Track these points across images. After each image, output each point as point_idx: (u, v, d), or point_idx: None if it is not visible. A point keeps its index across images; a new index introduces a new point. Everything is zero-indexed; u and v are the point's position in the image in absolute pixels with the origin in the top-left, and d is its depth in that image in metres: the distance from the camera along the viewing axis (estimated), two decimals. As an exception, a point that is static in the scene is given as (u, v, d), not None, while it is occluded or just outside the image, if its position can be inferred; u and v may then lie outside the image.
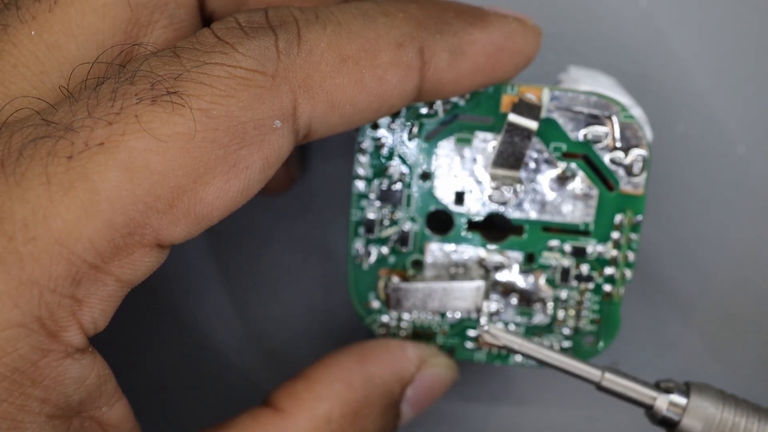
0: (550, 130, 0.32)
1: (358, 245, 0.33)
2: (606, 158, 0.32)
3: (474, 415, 0.37)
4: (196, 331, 0.37)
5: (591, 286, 0.33)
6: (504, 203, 0.32)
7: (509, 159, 0.32)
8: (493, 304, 0.33)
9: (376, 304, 0.33)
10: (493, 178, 0.32)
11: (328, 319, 0.37)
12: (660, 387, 0.30)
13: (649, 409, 0.30)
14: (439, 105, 0.32)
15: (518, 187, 0.31)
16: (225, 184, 0.26)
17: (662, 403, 0.29)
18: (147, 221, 0.26)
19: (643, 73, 0.34)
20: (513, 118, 0.31)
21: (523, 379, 0.37)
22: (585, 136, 0.32)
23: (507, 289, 0.33)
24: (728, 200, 0.36)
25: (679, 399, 0.29)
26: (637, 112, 0.32)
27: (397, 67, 0.29)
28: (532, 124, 0.31)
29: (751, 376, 0.36)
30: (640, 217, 0.32)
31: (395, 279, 0.33)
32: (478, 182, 0.32)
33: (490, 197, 0.32)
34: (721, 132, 0.36)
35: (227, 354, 0.37)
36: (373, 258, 0.33)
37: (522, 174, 0.32)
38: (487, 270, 0.33)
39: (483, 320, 0.33)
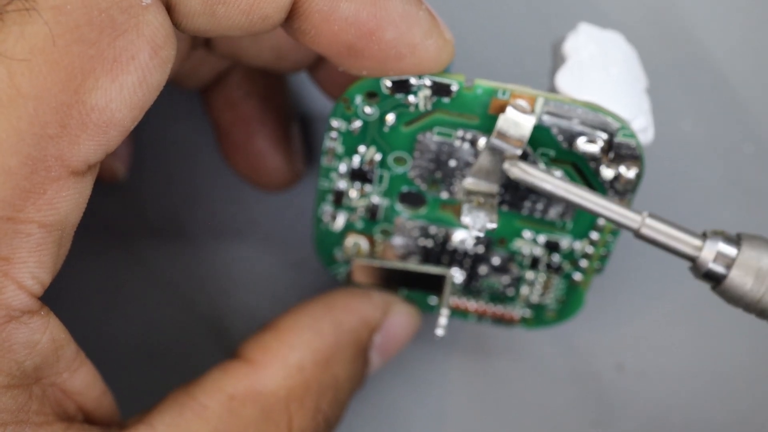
0: (540, 136, 0.28)
1: (326, 210, 0.31)
2: (596, 169, 0.29)
3: (436, 369, 0.36)
4: (163, 291, 0.36)
5: (560, 273, 0.31)
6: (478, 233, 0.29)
7: (488, 174, 0.28)
8: (459, 276, 0.32)
9: (341, 257, 0.32)
10: (468, 193, 0.28)
11: (296, 274, 0.36)
12: (707, 236, 0.25)
13: (693, 261, 0.25)
14: (420, 98, 0.28)
15: (490, 222, 0.28)
16: (113, 82, 0.23)
17: (709, 253, 0.25)
18: (44, 152, 0.23)
19: (648, 72, 0.31)
20: (496, 141, 0.28)
21: (484, 334, 0.36)
22: (577, 149, 0.28)
23: (476, 261, 0.31)
24: (734, 200, 0.34)
25: (728, 249, 0.25)
26: (640, 121, 0.28)
27: None
28: (516, 151, 0.27)
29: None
30: None
31: (362, 243, 0.32)
32: (457, 169, 0.29)
33: (465, 225, 0.28)
34: (729, 130, 0.34)
35: (195, 313, 0.36)
36: (340, 223, 0.31)
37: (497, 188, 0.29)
38: (456, 249, 0.31)
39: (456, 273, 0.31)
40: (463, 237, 0.31)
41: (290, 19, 0.26)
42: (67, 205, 0.24)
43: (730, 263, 0.25)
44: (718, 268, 0.25)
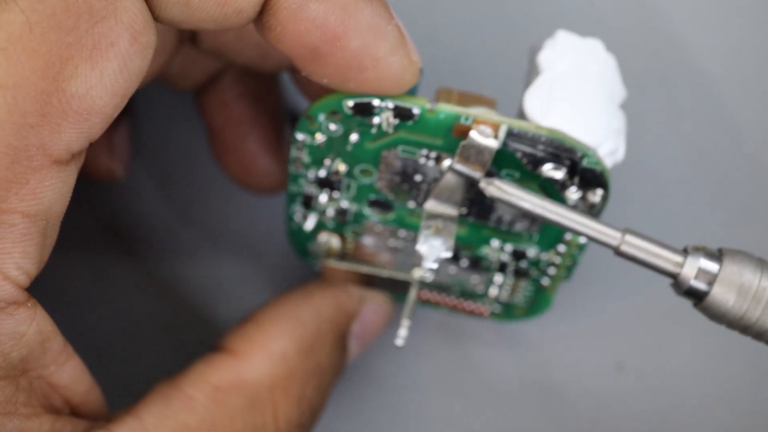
0: (504, 159, 0.28)
1: (297, 210, 0.31)
2: (561, 191, 0.28)
3: (427, 364, 0.36)
4: (156, 290, 0.36)
5: (528, 278, 0.31)
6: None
7: (450, 196, 0.28)
8: (428, 276, 0.32)
9: (315, 250, 0.32)
10: (428, 217, 0.28)
11: (287, 274, 0.36)
12: (688, 252, 0.25)
13: (674, 278, 0.25)
14: (383, 119, 0.28)
15: (445, 252, 0.28)
16: (92, 69, 0.23)
17: (690, 269, 0.24)
18: (25, 142, 0.23)
19: (648, 71, 0.31)
20: (458, 165, 0.27)
21: (480, 334, 0.36)
22: (541, 173, 0.28)
23: (445, 262, 0.32)
24: (736, 200, 0.34)
25: (709, 265, 0.24)
26: (608, 144, 0.27)
27: None
28: (477, 175, 0.27)
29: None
30: (585, 240, 0.29)
31: (333, 241, 0.32)
32: (423, 182, 0.29)
33: (420, 254, 0.28)
34: (728, 129, 0.34)
35: (187, 312, 0.36)
36: (310, 225, 0.31)
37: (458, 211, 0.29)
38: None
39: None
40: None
41: (261, 13, 0.26)
42: (51, 195, 0.24)
43: (711, 280, 0.24)
44: (700, 285, 0.24)
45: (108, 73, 0.23)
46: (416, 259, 0.32)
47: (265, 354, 0.30)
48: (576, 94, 0.28)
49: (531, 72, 0.29)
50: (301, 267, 0.35)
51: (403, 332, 0.30)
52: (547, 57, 0.28)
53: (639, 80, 0.33)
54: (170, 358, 0.30)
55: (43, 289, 0.26)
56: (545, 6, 0.35)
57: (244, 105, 0.35)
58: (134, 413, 0.28)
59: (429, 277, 0.32)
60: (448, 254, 0.28)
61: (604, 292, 0.35)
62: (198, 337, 0.35)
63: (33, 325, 0.25)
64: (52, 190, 0.24)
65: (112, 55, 0.23)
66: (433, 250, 0.28)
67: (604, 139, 0.27)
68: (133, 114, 0.37)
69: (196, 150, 0.36)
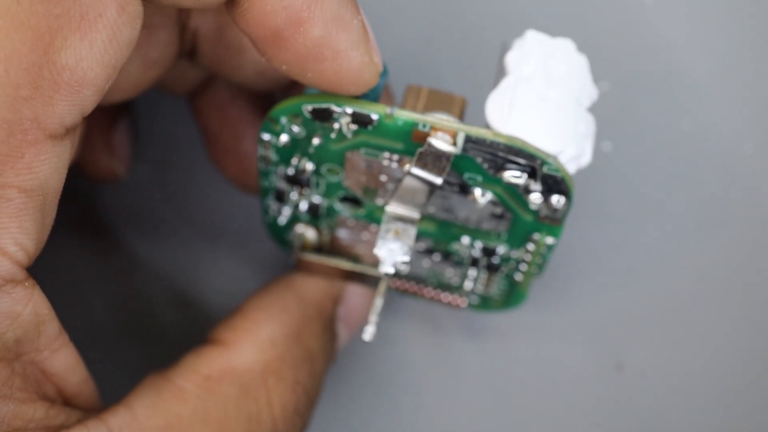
0: (465, 164, 0.27)
1: (271, 203, 0.31)
2: (524, 194, 0.28)
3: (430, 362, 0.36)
4: (151, 289, 0.37)
5: (501, 273, 0.31)
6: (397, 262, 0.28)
7: (412, 199, 0.28)
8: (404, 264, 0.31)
9: (291, 239, 0.33)
10: (389, 219, 0.28)
11: (281, 273, 0.36)
12: None
13: None
14: (343, 124, 0.27)
15: (402, 256, 0.28)
16: (82, 41, 0.23)
17: None
18: (19, 115, 0.23)
19: (648, 70, 0.31)
20: (416, 170, 0.27)
21: (481, 331, 0.35)
22: (503, 179, 0.27)
23: (418, 255, 0.32)
24: (734, 200, 0.34)
25: None
26: (571, 150, 0.27)
27: None
28: (437, 180, 0.27)
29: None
30: (553, 241, 0.29)
31: (308, 233, 0.32)
32: (389, 182, 0.29)
33: (378, 257, 0.28)
34: (728, 130, 0.34)
35: (182, 310, 0.37)
36: (284, 219, 0.31)
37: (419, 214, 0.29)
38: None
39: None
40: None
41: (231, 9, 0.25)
42: (47, 169, 0.24)
43: None
44: None
45: (98, 44, 0.23)
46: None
47: (254, 341, 0.29)
48: (539, 99, 0.27)
49: (499, 72, 0.28)
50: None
51: (370, 329, 0.30)
52: (514, 58, 0.28)
53: (639, 80, 0.33)
54: (168, 356, 0.30)
55: (42, 285, 0.25)
56: (522, 1, 0.35)
57: (239, 106, 0.34)
58: (125, 403, 0.27)
59: (404, 271, 0.32)
60: (406, 258, 0.28)
61: (605, 291, 0.35)
62: (197, 335, 0.34)
63: (29, 305, 0.24)
64: (48, 165, 0.24)
65: (100, 26, 0.23)
66: (390, 254, 0.28)
67: (566, 145, 0.27)
68: (132, 113, 0.37)
69: (195, 149, 0.36)
